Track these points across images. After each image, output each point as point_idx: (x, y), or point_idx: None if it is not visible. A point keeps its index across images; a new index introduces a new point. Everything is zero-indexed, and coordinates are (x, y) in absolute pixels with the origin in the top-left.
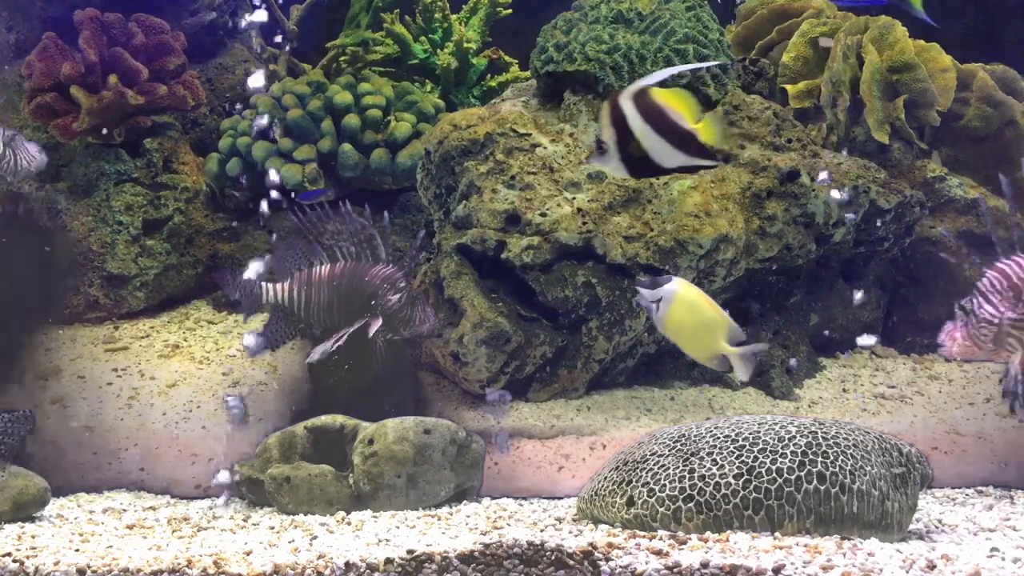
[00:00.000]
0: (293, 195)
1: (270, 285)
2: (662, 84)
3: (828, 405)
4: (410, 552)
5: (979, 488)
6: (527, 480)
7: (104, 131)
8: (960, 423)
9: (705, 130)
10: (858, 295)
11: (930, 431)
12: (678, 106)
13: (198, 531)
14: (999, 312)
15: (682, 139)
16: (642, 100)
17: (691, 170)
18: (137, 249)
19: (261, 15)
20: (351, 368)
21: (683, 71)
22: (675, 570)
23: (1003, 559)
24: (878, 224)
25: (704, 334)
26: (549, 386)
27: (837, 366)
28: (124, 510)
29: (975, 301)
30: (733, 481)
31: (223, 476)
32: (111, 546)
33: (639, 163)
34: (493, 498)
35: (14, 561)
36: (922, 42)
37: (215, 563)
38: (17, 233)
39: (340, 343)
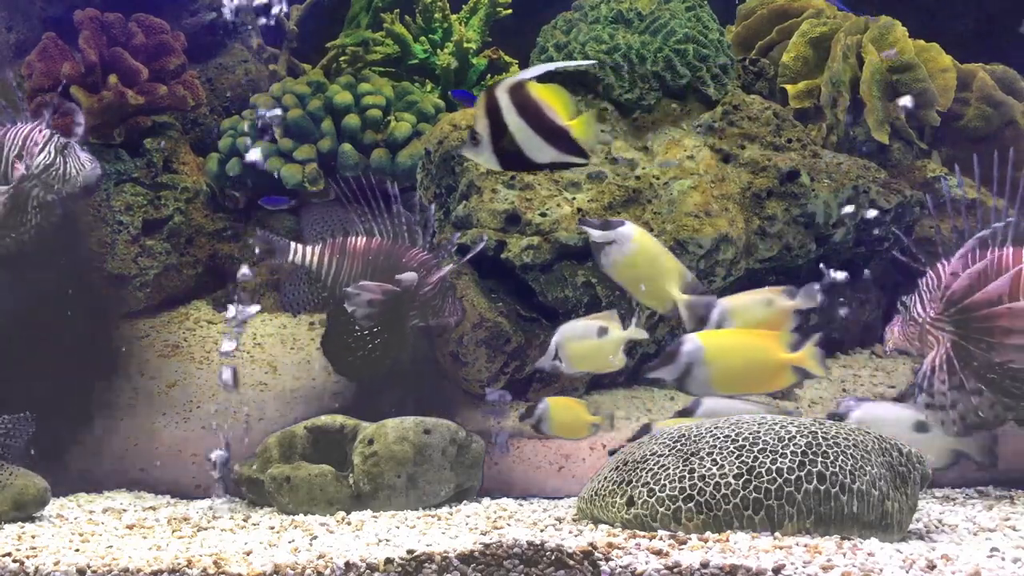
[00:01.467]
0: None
1: (299, 245)
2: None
3: (828, 405)
4: (410, 552)
5: (979, 488)
6: (527, 480)
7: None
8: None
9: (578, 128)
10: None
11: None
12: (553, 102)
13: (198, 531)
14: (923, 311)
15: (555, 135)
16: (518, 94)
17: (562, 167)
18: (137, 249)
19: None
20: (372, 350)
21: (563, 67)
22: (675, 570)
23: (1003, 559)
24: (878, 224)
25: (659, 279)
26: (549, 386)
27: (837, 366)
28: (124, 510)
29: (912, 299)
30: (733, 481)
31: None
32: (111, 546)
33: (511, 156)
34: (493, 498)
35: (14, 561)
36: (922, 42)
37: (215, 563)
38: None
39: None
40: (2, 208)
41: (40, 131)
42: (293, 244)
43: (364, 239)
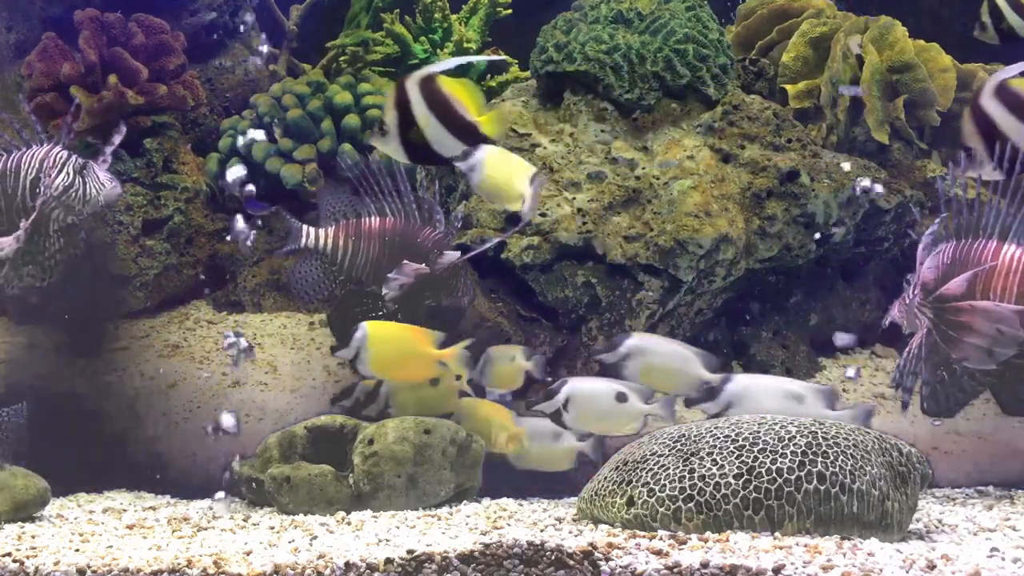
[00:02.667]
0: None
1: (311, 229)
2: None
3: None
4: (410, 552)
5: (979, 488)
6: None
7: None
8: (960, 423)
9: (487, 124)
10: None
11: (930, 431)
12: (463, 97)
13: (198, 531)
14: (914, 293)
15: (463, 130)
16: (428, 87)
17: None
18: (137, 249)
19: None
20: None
21: (471, 61)
22: (675, 570)
23: (1003, 559)
24: (878, 224)
25: (512, 180)
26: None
27: (837, 366)
28: (124, 510)
29: (913, 279)
30: (733, 481)
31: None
32: (111, 546)
33: (418, 149)
34: (493, 498)
35: (14, 561)
36: (922, 42)
37: (215, 563)
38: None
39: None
40: (21, 240)
41: (57, 152)
42: (305, 227)
43: (378, 220)
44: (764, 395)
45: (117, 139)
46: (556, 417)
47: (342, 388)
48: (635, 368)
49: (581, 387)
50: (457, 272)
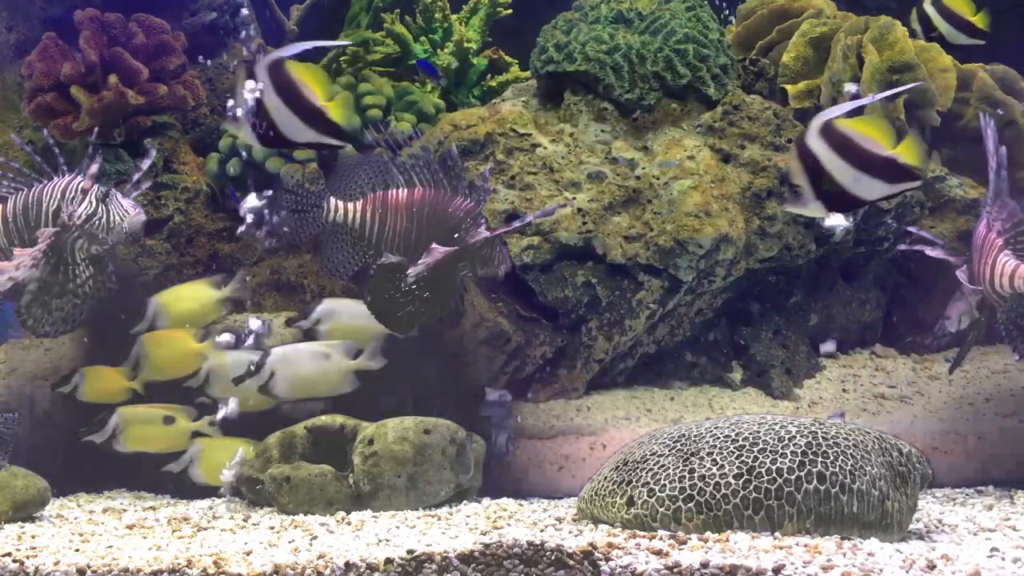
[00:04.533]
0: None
1: (337, 202)
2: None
3: (828, 405)
4: (410, 552)
5: (979, 488)
6: (526, 480)
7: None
8: (960, 423)
9: (334, 109)
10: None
11: (930, 431)
12: (311, 82)
13: (198, 531)
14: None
15: (311, 116)
16: (276, 72)
17: (318, 147)
18: (137, 249)
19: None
20: (422, 304)
21: (321, 46)
22: (675, 570)
23: (1003, 559)
24: (878, 224)
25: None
26: (549, 386)
27: (837, 366)
28: (124, 510)
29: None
30: (733, 481)
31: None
32: (111, 546)
33: (268, 133)
34: (493, 498)
35: (14, 561)
36: (922, 42)
37: (215, 563)
38: None
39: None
40: (37, 267)
41: (79, 182)
42: (331, 201)
43: (406, 191)
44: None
45: (146, 163)
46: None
47: (95, 419)
48: (326, 330)
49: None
50: (492, 241)
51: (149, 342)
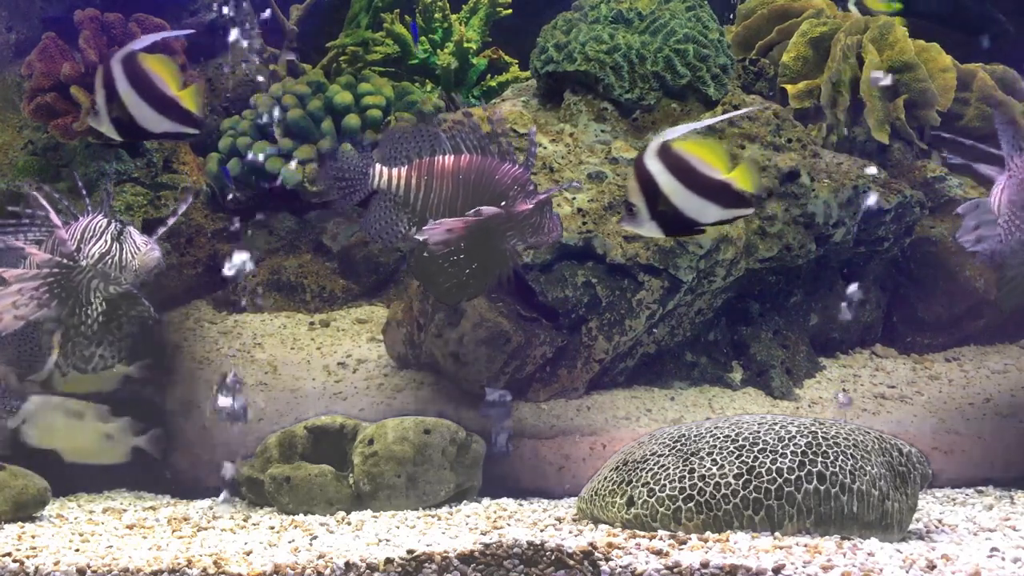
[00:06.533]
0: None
1: (383, 168)
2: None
3: (828, 405)
4: (410, 552)
5: (979, 488)
6: (526, 480)
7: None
8: (960, 423)
9: (187, 98)
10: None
11: (930, 431)
12: (162, 72)
13: (198, 531)
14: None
15: (164, 105)
16: (129, 64)
17: (174, 137)
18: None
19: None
20: (471, 274)
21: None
22: (675, 570)
23: (1003, 559)
24: (878, 224)
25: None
26: (549, 386)
27: (837, 366)
28: (124, 510)
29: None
30: (733, 481)
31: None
32: (111, 546)
33: (125, 125)
34: (493, 498)
35: (14, 561)
36: (922, 42)
37: (215, 563)
38: None
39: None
40: (47, 306)
41: (97, 221)
42: (377, 167)
43: (452, 157)
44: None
45: (183, 207)
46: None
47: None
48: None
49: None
50: (542, 208)
51: None
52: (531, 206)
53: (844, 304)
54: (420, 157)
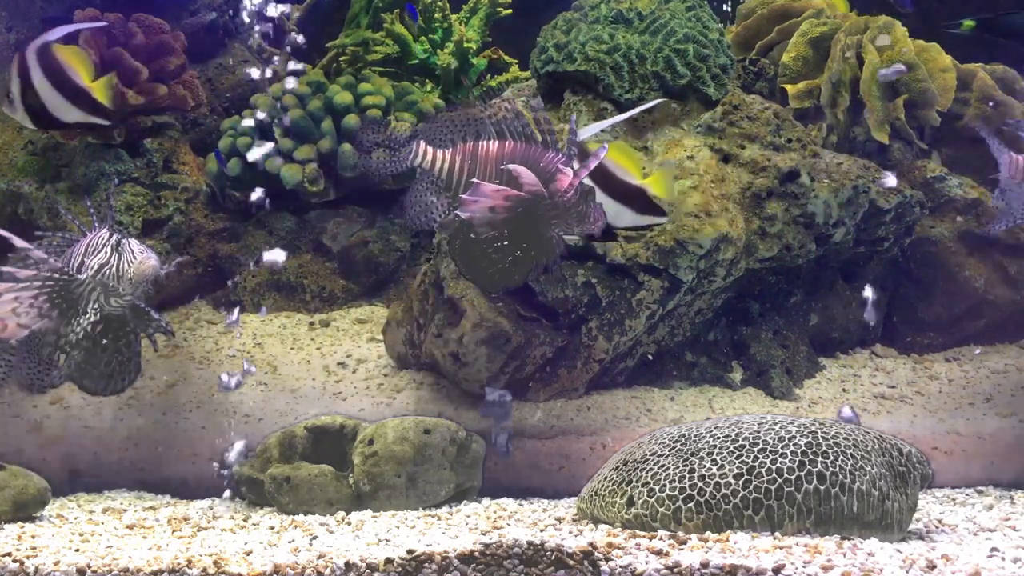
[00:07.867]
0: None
1: (428, 147)
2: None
3: (828, 405)
4: (410, 552)
5: (979, 488)
6: (526, 480)
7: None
8: (960, 423)
9: (99, 90)
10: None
11: (930, 431)
12: (76, 64)
13: (198, 531)
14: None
15: (77, 96)
16: (44, 55)
17: (87, 128)
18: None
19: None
20: (513, 261)
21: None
22: (675, 570)
23: (1003, 559)
24: (878, 224)
25: None
26: (549, 386)
27: (837, 366)
28: (124, 510)
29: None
30: (733, 481)
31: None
32: (111, 546)
33: (39, 114)
34: (493, 498)
35: (14, 561)
36: (922, 42)
37: (215, 563)
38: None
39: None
40: (48, 318)
41: (100, 235)
42: (421, 144)
43: (496, 143)
44: None
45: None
46: None
47: None
48: None
49: None
50: (587, 196)
51: None
52: (570, 186)
53: (863, 305)
54: (464, 141)
